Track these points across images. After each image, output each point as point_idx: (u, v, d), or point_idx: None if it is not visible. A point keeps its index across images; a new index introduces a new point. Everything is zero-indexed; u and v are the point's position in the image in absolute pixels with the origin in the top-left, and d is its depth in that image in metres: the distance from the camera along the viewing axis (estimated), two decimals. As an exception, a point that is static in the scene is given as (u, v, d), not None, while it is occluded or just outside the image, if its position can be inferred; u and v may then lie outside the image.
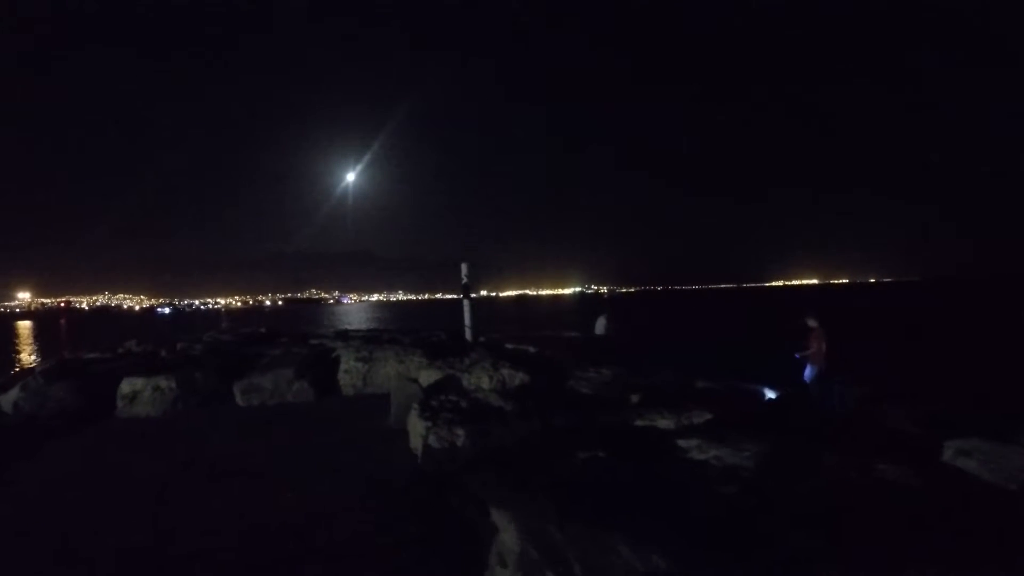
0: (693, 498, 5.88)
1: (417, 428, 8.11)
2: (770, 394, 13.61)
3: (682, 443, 7.54)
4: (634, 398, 10.71)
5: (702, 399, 10.79)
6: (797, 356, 12.96)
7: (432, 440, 7.54)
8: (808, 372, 12.90)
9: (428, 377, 11.90)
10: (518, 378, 11.66)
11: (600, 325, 21.56)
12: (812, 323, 12.95)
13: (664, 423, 9.10)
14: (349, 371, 13.70)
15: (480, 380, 11.45)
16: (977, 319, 54.43)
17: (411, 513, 6.53)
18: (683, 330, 50.37)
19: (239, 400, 13.01)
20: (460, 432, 7.60)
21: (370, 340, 16.72)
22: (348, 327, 49.23)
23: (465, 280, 18.35)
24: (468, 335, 18.34)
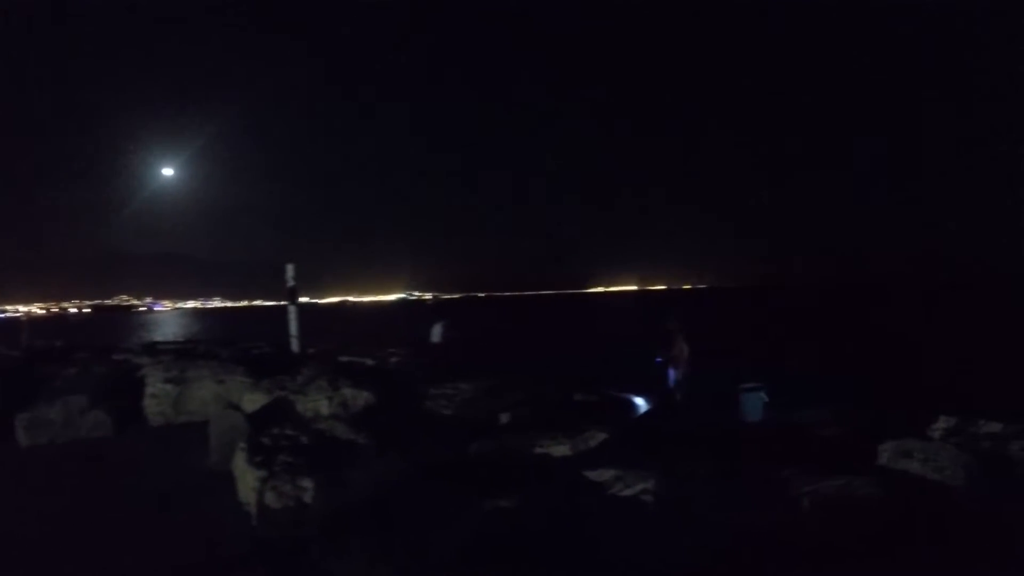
0: (648, 556, 4.68)
1: (248, 478, 6.14)
2: (641, 403, 13.00)
3: (593, 475, 6.41)
4: (504, 417, 9.45)
5: (584, 415, 9.82)
6: (659, 360, 12.69)
7: (271, 498, 5.62)
8: (671, 375, 12.63)
9: (254, 401, 9.91)
10: (362, 399, 9.98)
11: (437, 333, 20.37)
12: (674, 326, 12.70)
13: (560, 449, 7.94)
14: (157, 395, 11.11)
15: (318, 404, 9.65)
16: (831, 323, 57.57)
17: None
18: (528, 338, 49.59)
19: (21, 438, 9.89)
20: (307, 484, 5.76)
21: (183, 355, 14.23)
22: (159, 339, 44.29)
23: (291, 283, 16.15)
24: (295, 346, 16.23)
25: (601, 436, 8.48)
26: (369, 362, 14.95)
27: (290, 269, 16.01)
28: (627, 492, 6.06)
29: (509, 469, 7.05)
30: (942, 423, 9.54)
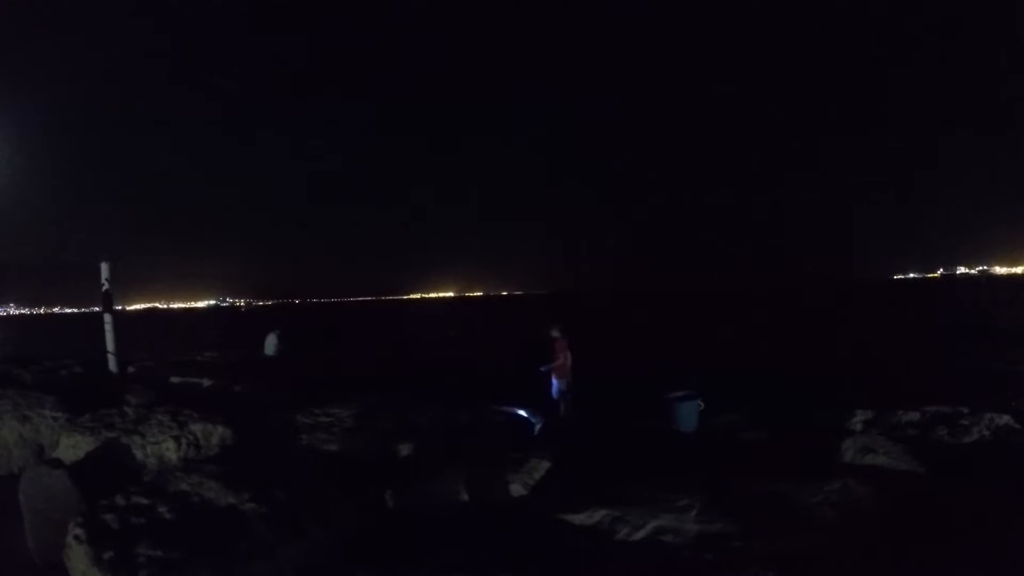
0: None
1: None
2: (528, 416, 12.00)
3: (581, 519, 5.20)
4: (405, 449, 7.88)
5: (494, 439, 8.49)
6: (543, 369, 12.40)
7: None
8: (555, 386, 12.44)
9: (75, 447, 7.53)
10: (217, 436, 7.99)
11: (271, 344, 18.38)
12: (556, 333, 12.40)
13: (513, 488, 6.65)
14: None
15: (162, 447, 7.53)
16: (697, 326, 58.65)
17: None
18: (362, 348, 46.52)
19: None
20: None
21: None
22: None
23: (106, 286, 13.31)
24: (113, 365, 13.46)
25: (545, 465, 7.41)
26: (205, 382, 12.64)
27: (105, 269, 13.17)
28: (640, 535, 5.38)
29: (464, 526, 5.59)
30: (860, 416, 10.32)
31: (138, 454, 7.39)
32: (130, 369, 14.65)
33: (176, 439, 7.63)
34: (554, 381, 12.50)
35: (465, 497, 6.94)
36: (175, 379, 12.86)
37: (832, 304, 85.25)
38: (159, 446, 7.51)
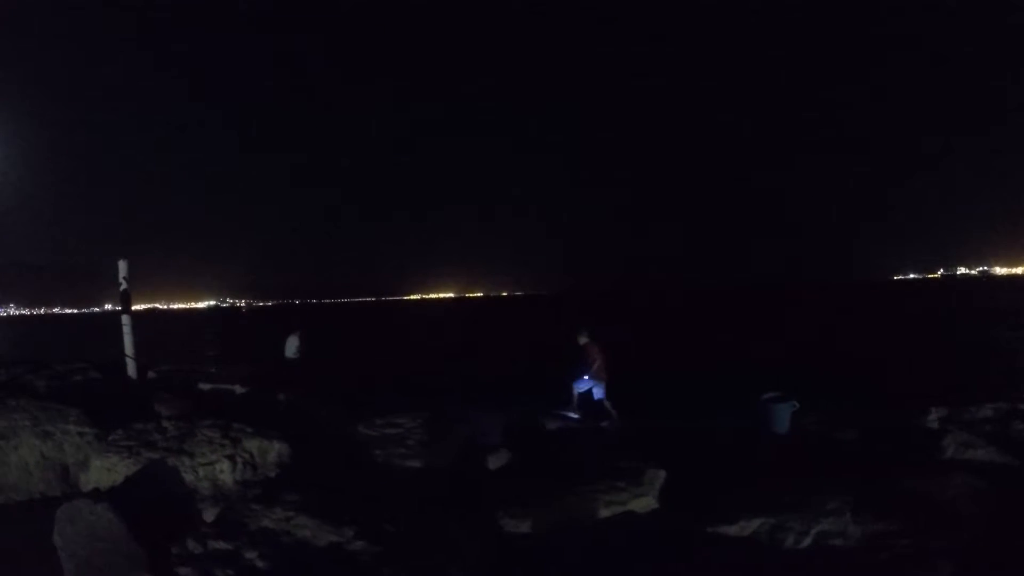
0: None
1: None
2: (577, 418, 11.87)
3: (731, 531, 5.34)
4: (494, 462, 6.76)
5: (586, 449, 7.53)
6: (586, 376, 12.05)
7: None
8: (596, 389, 12.10)
9: (109, 470, 6.36)
10: (274, 452, 6.81)
11: (292, 347, 17.16)
12: (584, 339, 12.24)
13: (641, 503, 5.98)
14: None
15: (215, 468, 6.34)
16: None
17: None
18: (385, 349, 44.90)
19: None
20: None
21: None
22: None
23: (124, 285, 12.07)
24: (132, 370, 12.22)
25: (662, 474, 6.55)
26: (239, 389, 11.42)
27: (123, 267, 11.93)
28: (807, 542, 5.22)
29: (610, 551, 5.04)
30: (935, 413, 9.99)
31: (188, 477, 6.19)
32: (150, 374, 13.43)
33: (230, 458, 6.43)
34: (594, 385, 12.07)
35: (588, 515, 5.92)
36: (204, 386, 11.61)
37: (856, 304, 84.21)
38: (212, 467, 6.32)
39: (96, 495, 5.05)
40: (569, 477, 6.66)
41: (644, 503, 6.16)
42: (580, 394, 12.23)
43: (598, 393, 12.04)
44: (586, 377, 12.05)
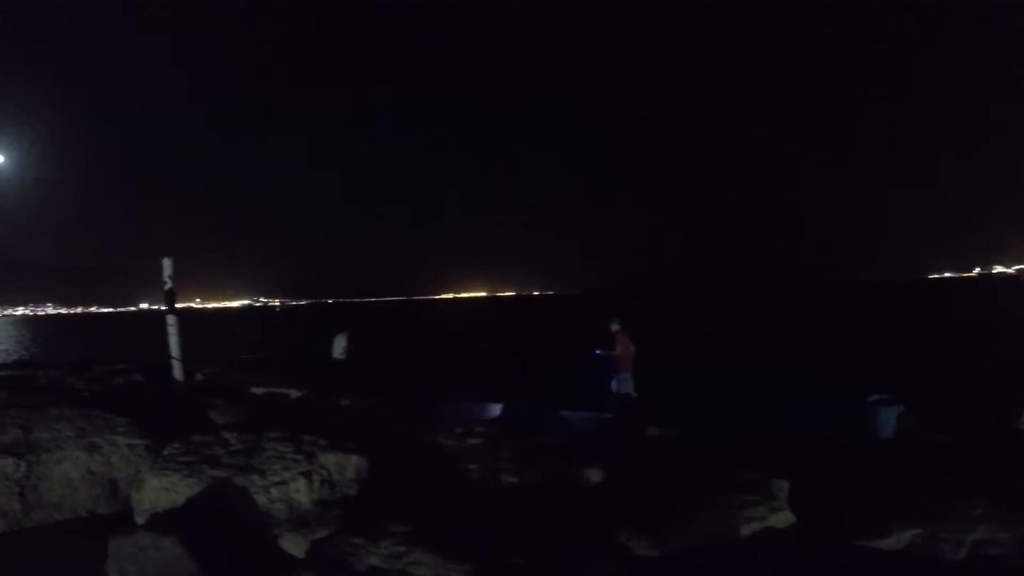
0: None
1: None
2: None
3: (884, 544, 4.91)
4: (594, 475, 5.85)
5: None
6: (598, 352, 12.24)
7: None
8: (617, 378, 12.13)
9: (169, 490, 5.44)
10: (351, 468, 5.94)
11: (339, 347, 16.48)
12: (615, 327, 12.25)
13: (780, 518, 5.28)
14: None
15: (290, 488, 5.46)
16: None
17: None
18: (427, 348, 43.86)
19: None
20: None
21: (20, 388, 9.18)
22: None
23: (169, 284, 11.28)
24: (178, 372, 11.46)
25: (785, 484, 5.75)
26: (295, 393, 10.65)
27: (167, 265, 11.15)
28: (964, 552, 4.83)
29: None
30: None
31: (259, 499, 5.31)
32: (198, 377, 12.74)
33: (306, 476, 5.56)
34: (616, 373, 12.11)
35: (726, 533, 5.10)
36: (257, 390, 10.86)
37: (897, 303, 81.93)
38: (286, 487, 5.44)
39: (159, 525, 4.21)
40: (685, 490, 5.78)
41: (783, 517, 5.34)
42: (618, 393, 12.10)
43: (623, 383, 12.06)
44: (618, 371, 12.00)
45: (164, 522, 4.84)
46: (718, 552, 4.99)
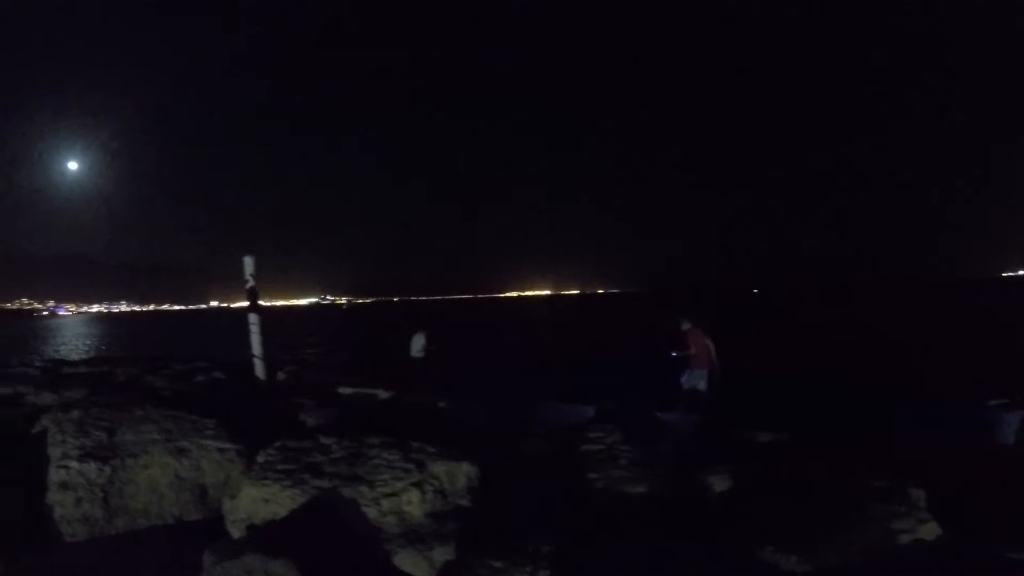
0: None
1: None
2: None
3: None
4: (719, 484, 5.26)
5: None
6: (673, 354, 12.11)
7: None
8: (685, 377, 11.97)
9: (269, 502, 4.96)
10: (463, 476, 5.35)
11: (417, 346, 16.08)
12: (686, 326, 12.13)
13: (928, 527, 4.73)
14: (72, 486, 5.63)
15: (401, 500, 4.90)
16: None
17: None
18: (505, 347, 43.40)
19: None
20: None
21: (101, 386, 8.94)
22: (62, 355, 36.27)
23: (251, 282, 10.93)
24: (260, 371, 11.11)
25: (920, 494, 5.25)
26: (384, 394, 10.18)
27: (249, 263, 10.81)
28: None
29: None
30: None
31: (369, 512, 4.76)
32: (280, 375, 12.43)
33: (418, 486, 4.98)
34: (688, 372, 11.86)
35: (878, 546, 4.62)
36: (345, 390, 10.42)
37: (972, 302, 78.29)
38: (397, 499, 4.87)
39: (271, 545, 3.69)
40: (825, 501, 5.20)
41: (930, 528, 4.83)
42: (688, 391, 11.86)
43: (700, 383, 11.69)
44: (689, 369, 11.76)
45: (265, 536, 4.34)
46: (873, 568, 4.45)
